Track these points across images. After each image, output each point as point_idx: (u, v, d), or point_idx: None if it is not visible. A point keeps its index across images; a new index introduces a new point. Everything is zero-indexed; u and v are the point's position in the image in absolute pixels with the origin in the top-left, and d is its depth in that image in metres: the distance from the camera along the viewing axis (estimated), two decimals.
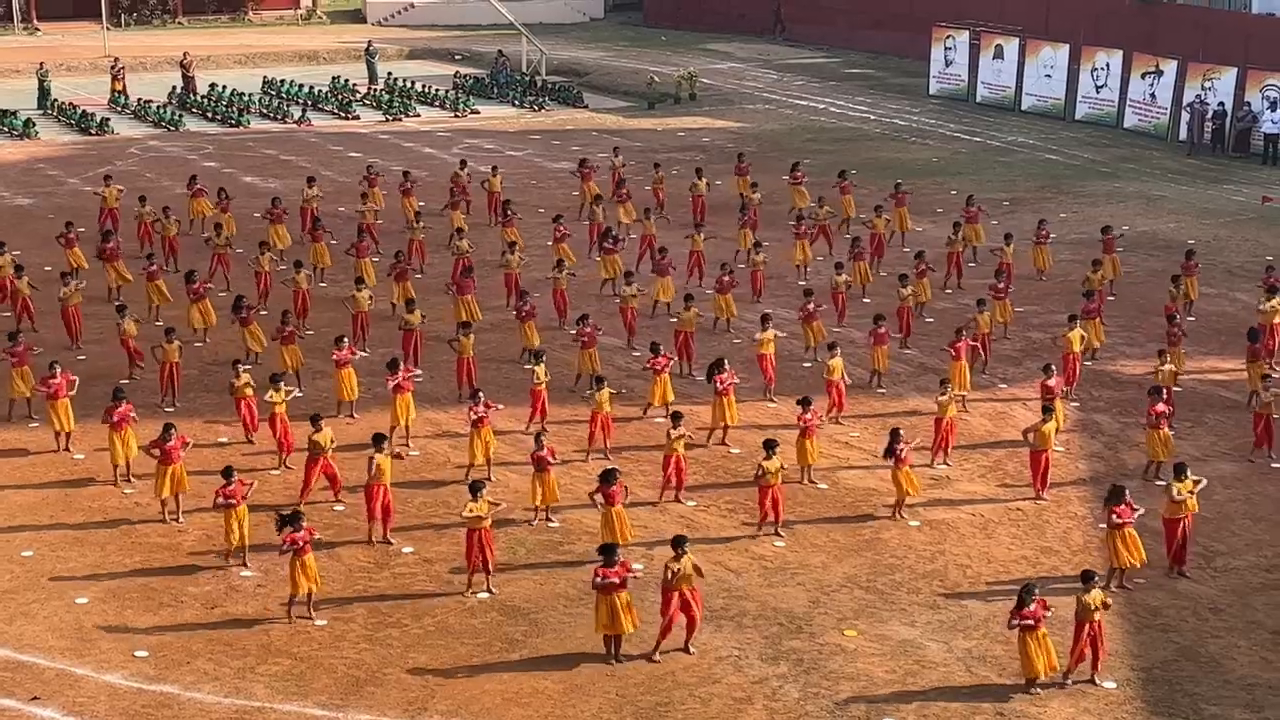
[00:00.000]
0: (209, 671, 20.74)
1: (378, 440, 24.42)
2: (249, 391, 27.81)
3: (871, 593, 22.98)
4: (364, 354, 31.66)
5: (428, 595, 22.82)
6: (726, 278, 34.06)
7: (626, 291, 33.07)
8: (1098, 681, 20.43)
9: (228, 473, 23.44)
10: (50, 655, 21.11)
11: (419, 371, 29.84)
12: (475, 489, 22.77)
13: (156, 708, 19.92)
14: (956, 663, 21.05)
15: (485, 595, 22.71)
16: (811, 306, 32.22)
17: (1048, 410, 26.36)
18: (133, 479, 26.28)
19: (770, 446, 24.51)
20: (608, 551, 21.07)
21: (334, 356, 29.20)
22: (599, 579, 20.77)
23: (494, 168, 44.96)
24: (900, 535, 24.83)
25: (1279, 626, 21.99)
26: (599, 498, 23.59)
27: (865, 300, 35.70)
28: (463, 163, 45.96)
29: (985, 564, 23.88)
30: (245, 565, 23.41)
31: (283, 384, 27.35)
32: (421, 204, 42.33)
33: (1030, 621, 20.04)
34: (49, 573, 23.42)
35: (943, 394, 27.40)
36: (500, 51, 68.69)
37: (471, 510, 22.47)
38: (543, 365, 28.48)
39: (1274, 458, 27.63)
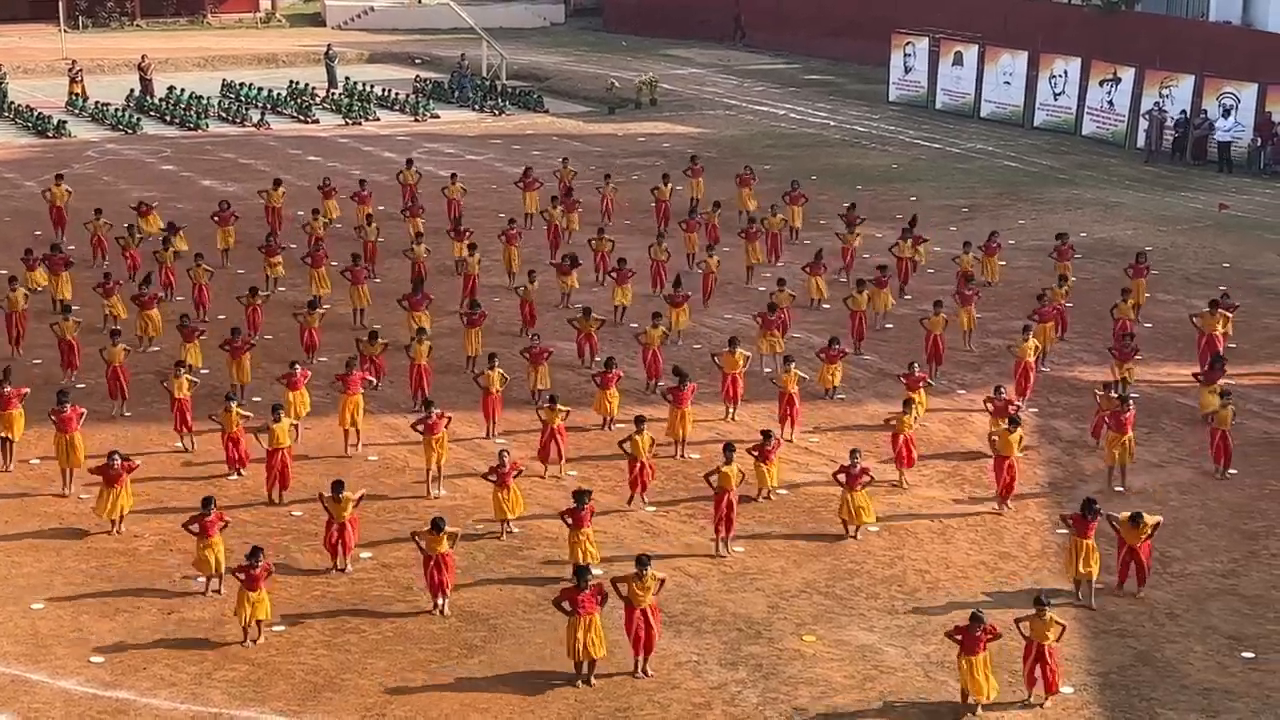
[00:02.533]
0: (165, 677, 20.62)
1: (335, 488, 23.78)
2: (186, 392, 27.67)
3: (830, 598, 23.02)
4: (322, 359, 31.58)
5: (386, 601, 22.75)
6: (680, 296, 33.86)
7: (585, 323, 32.52)
8: (1046, 705, 20.36)
9: (206, 503, 22.97)
10: (5, 661, 20.95)
11: (374, 381, 29.68)
12: (438, 525, 22.38)
13: (112, 714, 19.80)
14: (915, 668, 21.10)
15: (444, 601, 22.62)
16: (773, 317, 32.23)
17: (1014, 422, 26.20)
18: (75, 489, 26.04)
19: (729, 450, 24.48)
20: (581, 575, 20.90)
21: (284, 380, 28.84)
22: (568, 605, 20.59)
23: (453, 175, 44.79)
24: (859, 541, 24.85)
25: (1234, 632, 22.12)
26: (568, 519, 23.38)
27: (825, 306, 35.76)
28: (409, 162, 45.85)
29: (944, 569, 23.95)
30: (219, 590, 22.91)
31: (234, 403, 26.96)
32: (380, 207, 42.26)
33: (961, 640, 20.04)
34: (4, 578, 23.24)
35: (905, 411, 27.32)
36: (462, 55, 68.63)
37: (431, 540, 22.31)
38: (497, 371, 28.36)
39: (1223, 473, 27.67)
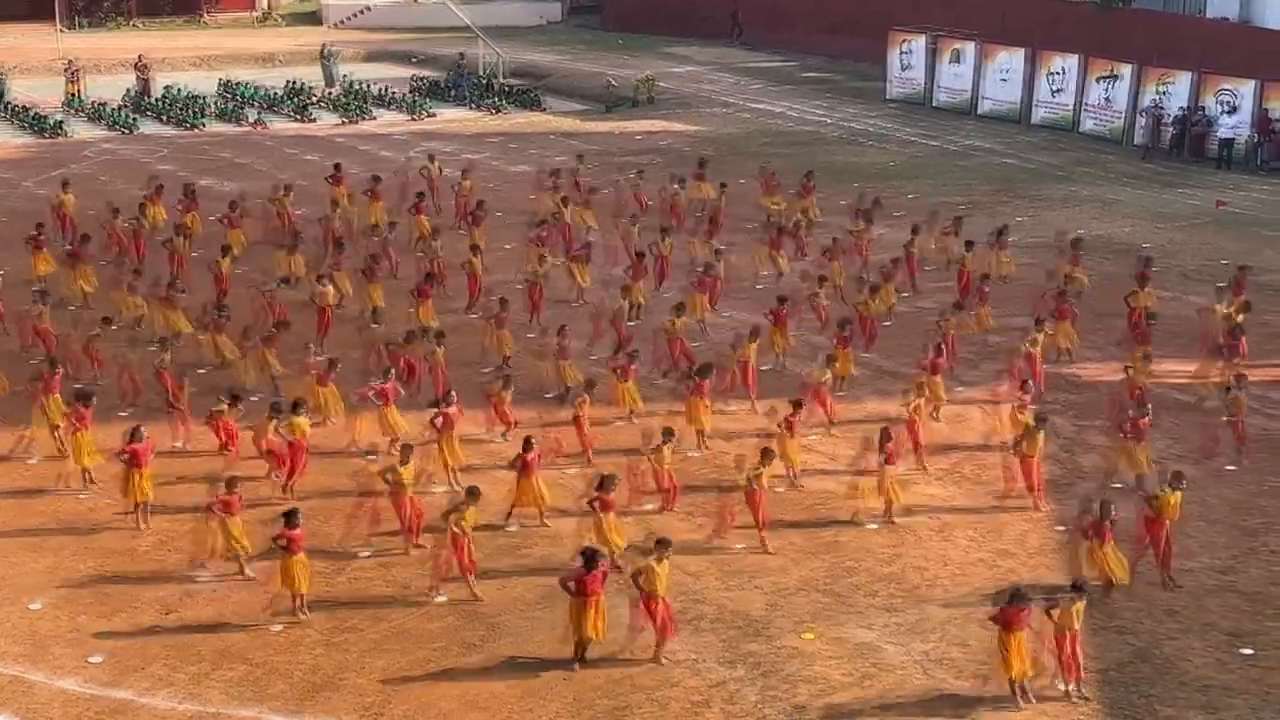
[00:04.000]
0: (164, 677, 20.62)
1: (403, 451, 24.38)
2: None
3: (829, 596, 23.01)
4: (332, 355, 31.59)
5: (385, 599, 22.74)
6: (708, 278, 34.14)
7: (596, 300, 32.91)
8: (1080, 690, 20.41)
9: (231, 483, 23.27)
10: (4, 661, 20.95)
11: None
12: (471, 493, 22.81)
13: (111, 714, 19.79)
14: (914, 665, 21.10)
15: (443, 599, 22.65)
16: (785, 312, 32.29)
17: (1040, 419, 26.20)
18: (88, 481, 26.13)
19: (767, 455, 24.56)
20: (590, 558, 20.91)
21: (307, 363, 29.12)
22: (574, 585, 20.67)
23: (464, 171, 44.68)
24: (858, 538, 24.86)
25: (1233, 628, 22.12)
26: (595, 504, 23.43)
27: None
28: (431, 157, 45.80)
29: (943, 567, 23.94)
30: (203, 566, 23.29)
31: (237, 404, 27.06)
32: (389, 207, 42.28)
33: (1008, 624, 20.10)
34: (2, 578, 23.24)
35: (917, 395, 27.61)
36: (460, 54, 68.61)
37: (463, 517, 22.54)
38: (509, 391, 28.30)
39: (1238, 456, 27.80)
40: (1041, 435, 25.92)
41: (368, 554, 24.06)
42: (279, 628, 21.84)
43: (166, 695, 20.22)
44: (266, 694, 20.29)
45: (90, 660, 21.01)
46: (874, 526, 25.20)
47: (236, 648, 21.37)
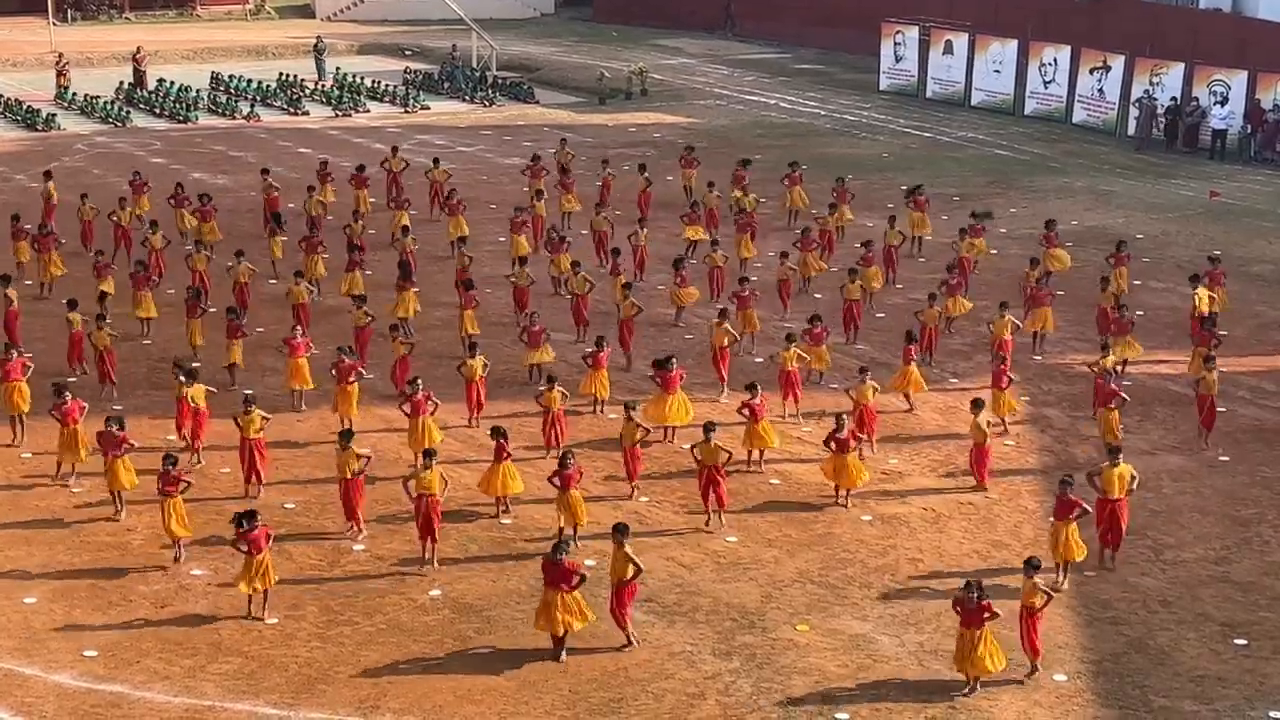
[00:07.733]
0: (159, 671, 20.60)
1: (345, 437, 24.45)
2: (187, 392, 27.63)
3: (823, 587, 23.03)
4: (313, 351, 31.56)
5: (379, 592, 22.74)
6: (685, 272, 34.39)
7: (575, 284, 33.05)
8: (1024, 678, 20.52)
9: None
10: None
11: (366, 375, 29.67)
12: (428, 455, 23.32)
13: (106, 707, 19.78)
14: (909, 657, 21.12)
15: (437, 593, 22.66)
16: (747, 293, 32.38)
17: (977, 404, 26.52)
18: (73, 480, 26.10)
19: (708, 429, 24.72)
20: (556, 548, 20.99)
21: (289, 343, 29.22)
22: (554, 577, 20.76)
23: (435, 159, 44.75)
24: (852, 530, 24.88)
25: (1227, 619, 22.15)
26: (555, 481, 23.68)
27: (817, 296, 35.78)
28: (394, 149, 45.78)
29: (937, 558, 23.96)
30: (177, 560, 23.37)
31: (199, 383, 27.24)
32: (373, 200, 42.31)
33: (960, 611, 20.14)
34: None
35: (860, 381, 27.68)
36: (453, 46, 68.55)
37: (423, 479, 22.94)
38: (479, 358, 28.40)
39: (1208, 444, 27.91)
40: (984, 421, 26.03)
41: (362, 547, 24.05)
42: (274, 620, 21.84)
43: (161, 689, 20.20)
44: (261, 687, 20.28)
45: (85, 654, 20.98)
46: (867, 518, 25.22)
47: (231, 641, 21.36)
